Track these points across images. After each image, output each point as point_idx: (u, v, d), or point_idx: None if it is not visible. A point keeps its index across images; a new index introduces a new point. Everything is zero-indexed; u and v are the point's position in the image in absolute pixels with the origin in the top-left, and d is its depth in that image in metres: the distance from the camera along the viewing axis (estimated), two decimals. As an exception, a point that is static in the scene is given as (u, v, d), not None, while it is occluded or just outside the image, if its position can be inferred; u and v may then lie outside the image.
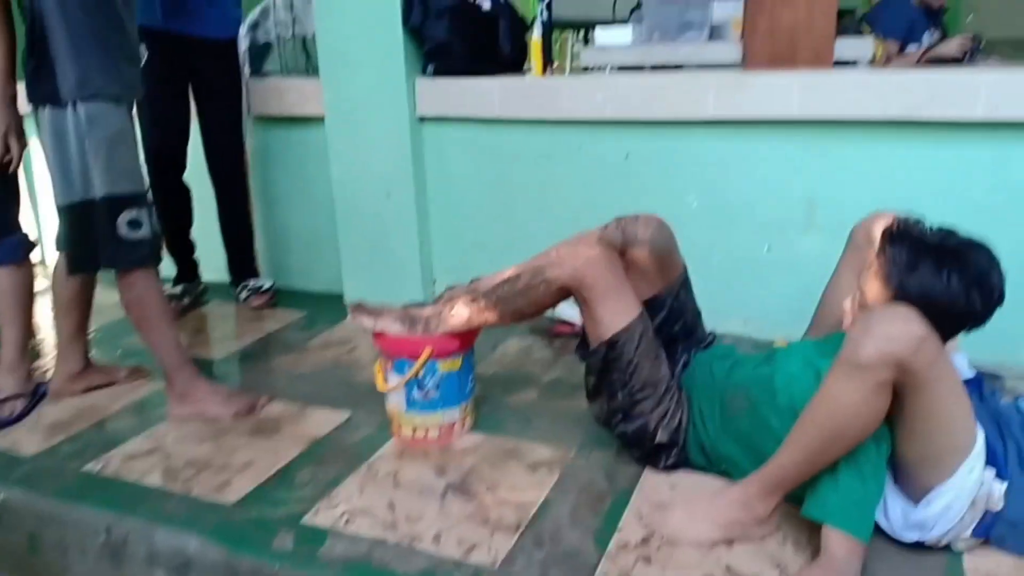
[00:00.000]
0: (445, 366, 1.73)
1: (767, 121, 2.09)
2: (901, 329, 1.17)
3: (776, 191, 2.16)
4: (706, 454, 1.58)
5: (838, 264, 1.75)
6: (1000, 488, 1.29)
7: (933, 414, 1.23)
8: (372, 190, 2.56)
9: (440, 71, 2.42)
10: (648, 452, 1.61)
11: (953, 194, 1.97)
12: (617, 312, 1.53)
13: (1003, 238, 1.43)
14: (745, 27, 2.58)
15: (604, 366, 1.57)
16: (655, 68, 2.85)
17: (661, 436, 1.57)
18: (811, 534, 1.38)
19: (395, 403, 1.78)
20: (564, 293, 1.57)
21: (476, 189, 2.54)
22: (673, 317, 1.68)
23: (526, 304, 1.61)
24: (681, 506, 1.45)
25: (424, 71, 2.46)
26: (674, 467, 1.61)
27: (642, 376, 1.54)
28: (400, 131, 2.47)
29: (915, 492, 1.32)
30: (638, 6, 3.32)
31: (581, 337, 1.67)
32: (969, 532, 1.32)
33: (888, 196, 2.03)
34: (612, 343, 1.53)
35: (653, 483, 1.59)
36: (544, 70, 2.45)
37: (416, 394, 1.74)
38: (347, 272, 2.71)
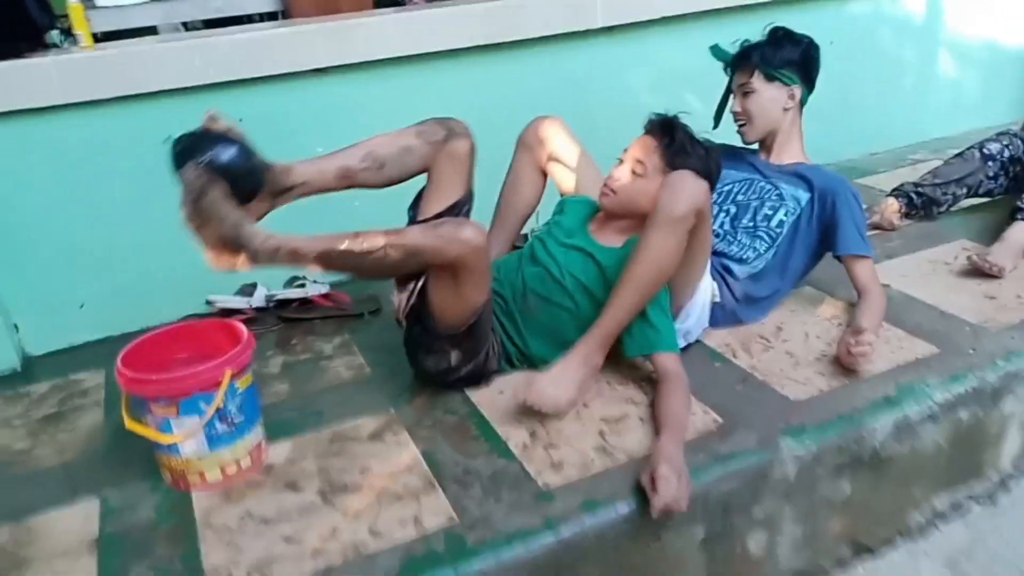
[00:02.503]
0: (243, 382, 1.49)
1: (375, 61, 2.21)
2: (697, 186, 1.56)
3: (395, 127, 2.31)
4: (513, 362, 1.77)
5: (514, 164, 2.02)
6: (715, 285, 1.84)
7: (701, 244, 1.66)
8: None
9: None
10: (475, 381, 1.72)
11: (527, 95, 2.42)
12: (482, 284, 1.54)
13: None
14: (283, -23, 2.58)
15: (466, 334, 1.59)
16: (208, 24, 2.58)
17: (492, 365, 1.70)
18: (620, 366, 1.73)
19: (191, 451, 1.46)
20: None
21: (49, 201, 2.00)
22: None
23: (382, 275, 1.55)
24: (539, 378, 1.57)
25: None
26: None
27: (487, 323, 1.63)
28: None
29: (673, 311, 1.77)
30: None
31: (409, 309, 1.62)
32: (707, 324, 1.86)
33: (487, 111, 2.39)
34: (478, 312, 1.56)
35: (484, 398, 1.70)
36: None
37: (219, 428, 1.47)
38: None
